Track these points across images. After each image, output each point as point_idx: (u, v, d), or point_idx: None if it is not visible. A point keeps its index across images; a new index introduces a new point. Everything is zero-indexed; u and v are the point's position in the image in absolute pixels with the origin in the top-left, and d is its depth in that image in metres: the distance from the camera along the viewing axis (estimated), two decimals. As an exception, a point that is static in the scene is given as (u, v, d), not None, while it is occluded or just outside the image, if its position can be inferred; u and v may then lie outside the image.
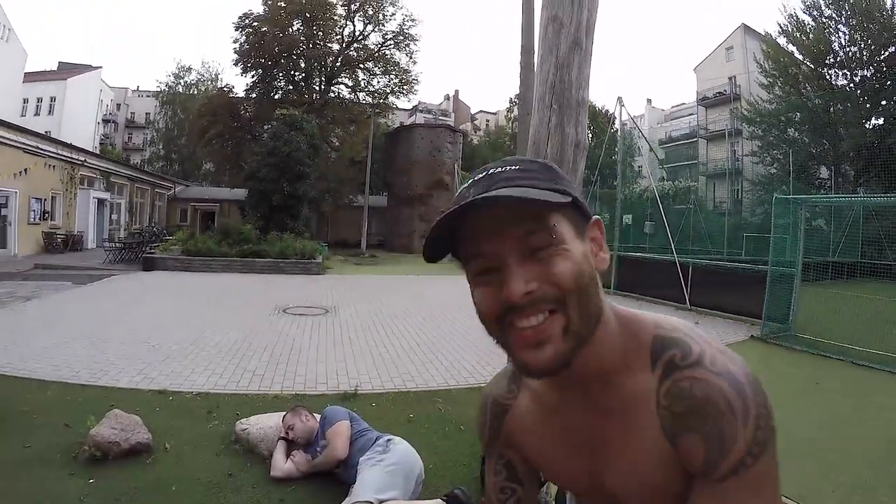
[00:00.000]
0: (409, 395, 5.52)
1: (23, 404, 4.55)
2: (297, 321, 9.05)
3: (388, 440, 3.38)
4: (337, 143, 34.00)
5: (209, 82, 49.04)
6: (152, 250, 18.08)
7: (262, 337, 7.68)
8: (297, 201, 21.98)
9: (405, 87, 34.58)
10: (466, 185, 0.81)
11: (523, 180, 0.76)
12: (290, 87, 32.94)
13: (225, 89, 34.55)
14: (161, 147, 52.55)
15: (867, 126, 26.29)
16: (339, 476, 3.40)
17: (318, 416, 3.75)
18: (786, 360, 7.57)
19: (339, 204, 32.85)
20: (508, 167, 0.79)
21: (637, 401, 0.82)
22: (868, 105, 26.72)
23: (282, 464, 3.51)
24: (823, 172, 29.03)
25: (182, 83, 51.60)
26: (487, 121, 63.63)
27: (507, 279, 0.74)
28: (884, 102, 25.83)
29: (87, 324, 8.01)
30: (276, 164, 21.38)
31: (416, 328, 8.95)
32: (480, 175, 0.80)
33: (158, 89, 51.82)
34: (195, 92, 48.83)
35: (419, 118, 46.60)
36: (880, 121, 25.88)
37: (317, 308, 10.40)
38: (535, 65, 3.53)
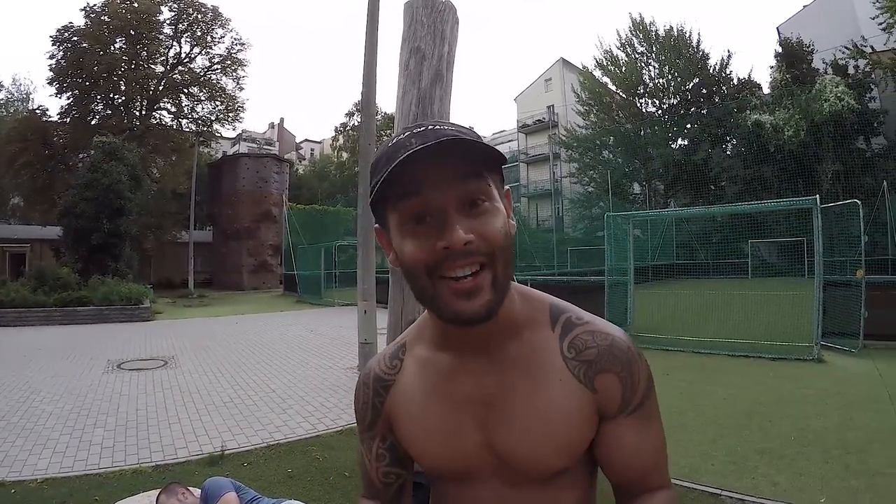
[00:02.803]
0: (281, 448, 5.15)
1: None
2: (136, 378, 8.17)
3: None
4: (157, 175, 31.40)
5: (19, 103, 43.07)
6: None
7: (101, 400, 6.80)
8: (118, 240, 20.16)
9: (231, 114, 33.16)
10: (405, 135, 0.80)
11: (466, 135, 0.77)
12: (109, 112, 29.87)
13: (38, 111, 30.20)
14: (-41, 180, 45.10)
15: (674, 146, 29.88)
16: None
17: (196, 491, 3.34)
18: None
19: (163, 241, 30.54)
20: (446, 125, 0.81)
21: (540, 352, 0.90)
22: (675, 128, 30.43)
23: None
24: (636, 188, 32.27)
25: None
26: (312, 150, 62.50)
27: (450, 226, 0.77)
28: (688, 126, 29.53)
29: None
30: (94, 199, 19.42)
31: (265, 373, 8.51)
32: (419, 129, 0.80)
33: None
34: (3, 113, 42.61)
35: (243, 147, 44.81)
36: (685, 141, 29.48)
37: (154, 360, 9.52)
38: (397, 97, 3.50)
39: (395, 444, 1.03)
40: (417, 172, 0.77)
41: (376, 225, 0.90)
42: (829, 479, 3.96)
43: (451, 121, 0.89)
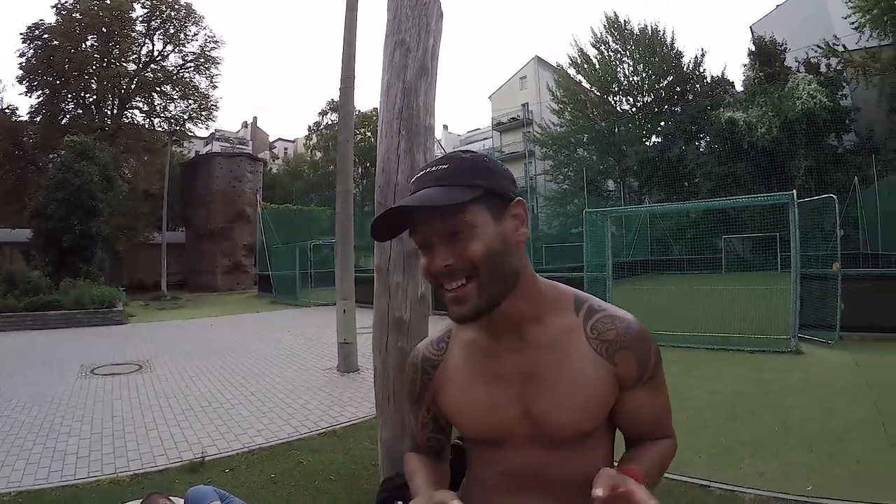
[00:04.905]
0: (263, 453, 5.03)
1: None
2: (110, 382, 7.97)
3: None
4: (129, 175, 30.70)
5: None
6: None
7: (75, 407, 6.59)
8: (90, 241, 19.66)
9: (204, 112, 32.59)
10: (414, 177, 1.03)
11: (447, 179, 0.98)
12: (80, 111, 29.19)
13: (7, 111, 29.16)
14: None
15: (648, 144, 30.16)
16: None
17: (178, 501, 3.22)
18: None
19: (135, 242, 29.95)
20: (440, 166, 1.01)
21: (567, 334, 1.09)
22: (649, 126, 30.72)
23: None
24: (611, 185, 32.52)
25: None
26: (286, 148, 61.62)
27: (431, 256, 1.00)
28: (662, 123, 29.82)
29: None
30: (65, 199, 18.88)
31: (243, 375, 8.33)
32: (421, 173, 1.02)
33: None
34: None
35: (216, 146, 44.17)
36: (659, 139, 29.76)
37: (128, 364, 9.29)
38: (381, 91, 3.45)
39: (438, 415, 1.24)
40: (411, 217, 1.00)
41: None
42: (814, 467, 4.01)
43: (445, 153, 1.12)
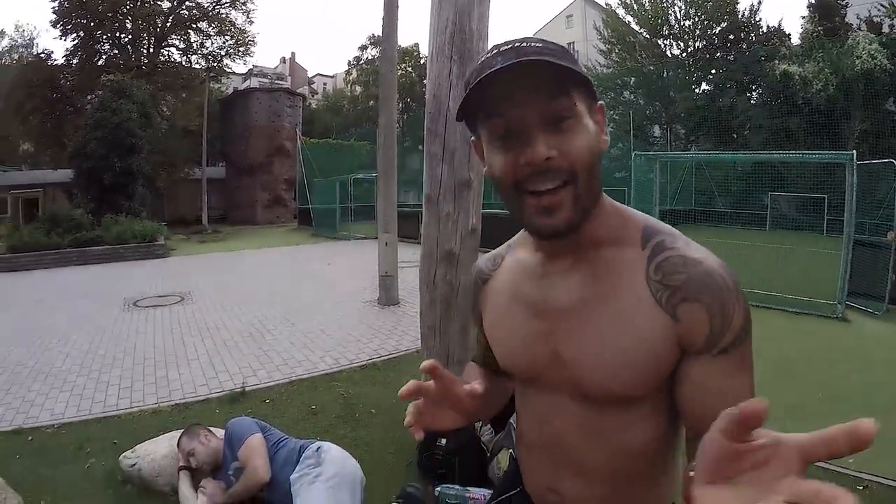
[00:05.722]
0: (303, 384, 5.10)
1: None
2: (153, 314, 8.17)
3: (318, 448, 2.88)
4: (168, 113, 30.82)
5: (23, 49, 42.29)
6: (-33, 254, 15.30)
7: (118, 339, 6.77)
8: (130, 178, 19.87)
9: (241, 48, 32.17)
10: (491, 54, 0.82)
11: (550, 54, 0.79)
12: (116, 52, 29.00)
13: (42, 55, 29.46)
14: (-32, 132, 44.63)
15: (697, 91, 29.09)
16: (265, 500, 2.91)
17: (219, 432, 3.22)
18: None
19: (175, 178, 30.15)
20: (533, 42, 0.82)
21: (624, 269, 0.88)
22: (699, 73, 29.54)
23: (192, 501, 2.94)
24: (657, 131, 31.60)
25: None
26: (325, 84, 61.26)
27: (532, 142, 0.80)
28: (713, 71, 28.62)
29: None
30: (104, 138, 19.03)
31: (283, 307, 8.38)
32: (506, 47, 0.81)
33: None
34: (7, 61, 41.87)
35: (254, 82, 44.01)
36: (709, 87, 28.73)
37: (171, 296, 9.48)
38: (431, 14, 3.32)
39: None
40: (502, 91, 0.80)
41: (472, 138, 0.95)
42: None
43: (537, 38, 0.86)
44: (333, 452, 2.85)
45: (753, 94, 26.73)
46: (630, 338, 0.85)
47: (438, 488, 2.42)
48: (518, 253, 1.05)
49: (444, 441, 2.76)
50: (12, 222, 21.18)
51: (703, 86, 29.53)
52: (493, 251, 1.14)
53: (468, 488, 2.39)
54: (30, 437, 4.10)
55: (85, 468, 3.59)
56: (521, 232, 1.06)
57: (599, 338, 0.88)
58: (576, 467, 0.97)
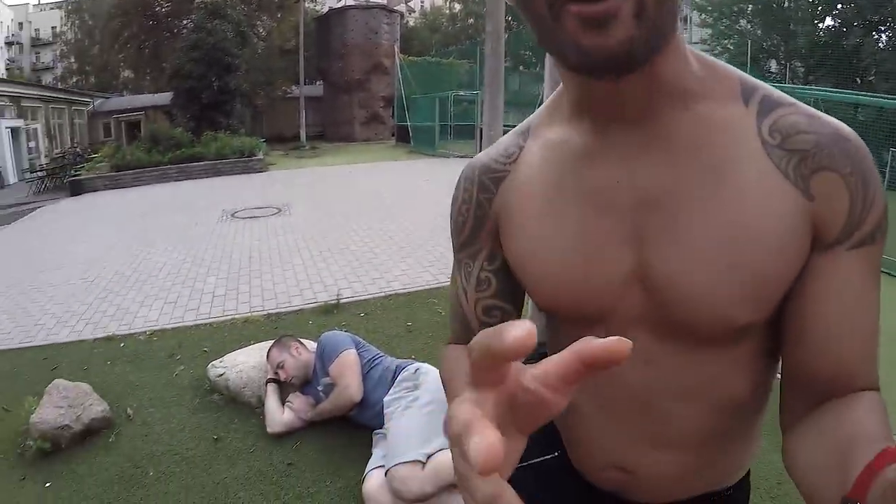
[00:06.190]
0: (399, 299, 4.79)
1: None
2: (250, 226, 8.13)
3: (416, 370, 2.60)
4: (263, 33, 31.07)
5: None
6: (77, 173, 16.09)
7: (214, 249, 6.74)
8: (228, 96, 20.19)
9: (336, -34, 31.48)
10: None
11: None
12: None
13: None
14: (73, 61, 45.82)
15: (820, 26, 26.25)
16: (353, 419, 2.67)
17: (310, 345, 2.96)
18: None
19: (273, 96, 30.72)
20: None
21: (726, 133, 0.59)
22: (824, 5, 26.53)
23: (279, 415, 2.74)
24: (773, 66, 29.09)
25: (87, -14, 45.54)
26: (423, 1, 60.58)
27: None
28: (840, 5, 25.52)
29: (12, 272, 6.57)
30: (201, 58, 19.28)
31: (380, 220, 8.05)
32: None
33: (62, -1, 45.34)
34: None
35: (350, 0, 43.73)
36: (834, 23, 25.80)
37: (268, 208, 9.42)
38: None
39: (506, 266, 0.74)
40: None
41: None
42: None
43: None
44: (433, 375, 2.54)
45: (883, 35, 23.88)
46: (757, 232, 0.57)
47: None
48: (546, 134, 0.70)
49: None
50: (116, 143, 22.01)
51: (828, 21, 26.57)
52: (496, 143, 0.77)
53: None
54: (122, 344, 4.07)
55: (173, 376, 3.49)
56: (541, 109, 0.74)
57: (713, 238, 0.58)
58: (656, 436, 0.70)
